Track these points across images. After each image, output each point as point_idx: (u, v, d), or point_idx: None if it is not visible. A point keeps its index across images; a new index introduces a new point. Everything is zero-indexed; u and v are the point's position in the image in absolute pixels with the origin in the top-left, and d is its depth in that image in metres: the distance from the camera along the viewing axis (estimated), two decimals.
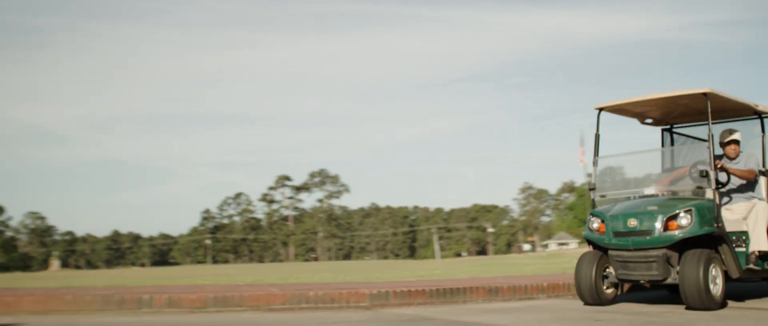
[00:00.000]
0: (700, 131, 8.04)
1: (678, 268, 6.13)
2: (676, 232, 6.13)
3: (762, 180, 7.22)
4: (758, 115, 7.55)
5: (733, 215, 6.81)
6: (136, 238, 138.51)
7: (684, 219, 6.13)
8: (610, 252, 6.53)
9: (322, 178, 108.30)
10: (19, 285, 11.18)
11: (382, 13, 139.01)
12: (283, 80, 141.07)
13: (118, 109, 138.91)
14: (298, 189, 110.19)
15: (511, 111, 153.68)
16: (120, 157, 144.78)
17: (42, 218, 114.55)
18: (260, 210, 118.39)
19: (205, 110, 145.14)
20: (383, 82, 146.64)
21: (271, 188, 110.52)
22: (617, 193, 7.10)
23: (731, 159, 7.18)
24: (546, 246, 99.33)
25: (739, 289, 7.77)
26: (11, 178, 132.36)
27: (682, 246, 6.23)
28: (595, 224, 6.68)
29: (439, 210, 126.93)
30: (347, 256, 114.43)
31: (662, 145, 8.27)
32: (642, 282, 6.53)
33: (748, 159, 7.10)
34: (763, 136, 7.60)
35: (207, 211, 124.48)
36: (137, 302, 6.66)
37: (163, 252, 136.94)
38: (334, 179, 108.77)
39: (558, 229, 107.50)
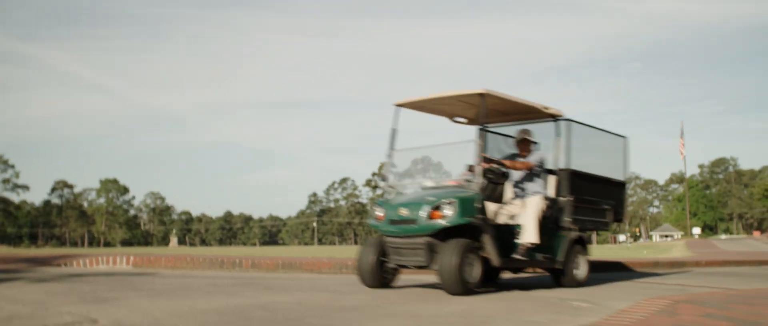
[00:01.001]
0: (509, 131, 8.57)
1: None
2: (439, 221, 6.60)
3: (550, 178, 7.85)
4: (552, 117, 8.03)
5: (515, 209, 7.47)
6: (247, 219, 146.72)
7: (447, 210, 6.59)
8: (387, 238, 7.01)
9: (424, 165, 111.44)
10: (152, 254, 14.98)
11: None
12: (395, 67, 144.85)
13: (234, 95, 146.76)
14: (401, 175, 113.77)
15: (624, 99, 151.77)
16: (234, 140, 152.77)
17: (162, 198, 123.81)
18: (365, 195, 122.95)
19: (317, 96, 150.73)
20: (494, 68, 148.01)
21: (374, 174, 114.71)
22: (403, 184, 7.55)
23: (523, 157, 7.69)
24: (650, 237, 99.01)
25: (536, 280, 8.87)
26: (135, 160, 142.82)
27: (447, 234, 6.66)
28: (377, 212, 7.18)
29: None
30: None
31: None
32: (410, 266, 6.91)
33: (534, 157, 7.60)
34: (557, 139, 7.99)
35: (314, 195, 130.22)
36: (232, 264, 10.10)
37: (272, 233, 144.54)
38: (438, 166, 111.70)
39: (665, 221, 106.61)
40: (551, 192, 7.77)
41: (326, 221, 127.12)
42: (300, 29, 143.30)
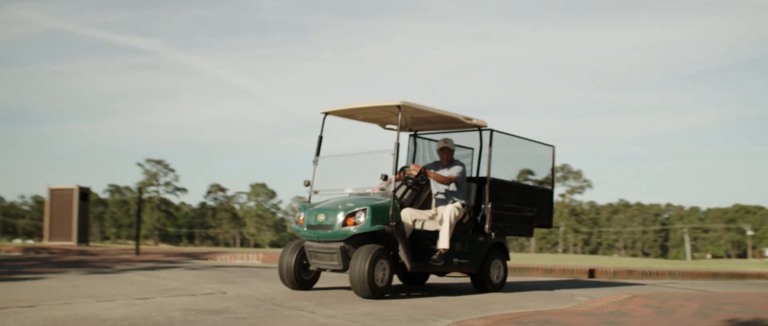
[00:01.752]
0: (437, 138, 8.82)
1: None
2: (352, 228, 6.94)
3: (472, 186, 8.24)
4: (477, 128, 8.46)
5: (437, 216, 7.80)
6: None
7: (360, 217, 6.93)
8: (305, 242, 7.39)
9: (564, 173, 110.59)
10: None
11: None
12: (542, 72, 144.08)
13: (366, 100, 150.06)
14: (541, 183, 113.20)
15: None
16: (375, 147, 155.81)
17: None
18: None
19: (458, 103, 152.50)
20: (643, 71, 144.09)
21: None
22: (328, 190, 7.78)
23: (443, 166, 8.07)
24: None
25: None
26: (282, 165, 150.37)
27: (362, 240, 7.05)
28: (299, 216, 7.52)
29: (694, 209, 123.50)
30: (594, 251, 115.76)
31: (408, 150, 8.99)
32: (327, 270, 7.32)
33: (454, 167, 7.96)
34: (483, 148, 8.50)
35: None
36: None
37: None
38: (577, 175, 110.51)
39: None
40: (472, 199, 8.19)
41: None
42: (443, 35, 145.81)
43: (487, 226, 8.02)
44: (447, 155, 8.11)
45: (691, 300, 7.13)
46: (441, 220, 7.64)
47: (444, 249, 7.55)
